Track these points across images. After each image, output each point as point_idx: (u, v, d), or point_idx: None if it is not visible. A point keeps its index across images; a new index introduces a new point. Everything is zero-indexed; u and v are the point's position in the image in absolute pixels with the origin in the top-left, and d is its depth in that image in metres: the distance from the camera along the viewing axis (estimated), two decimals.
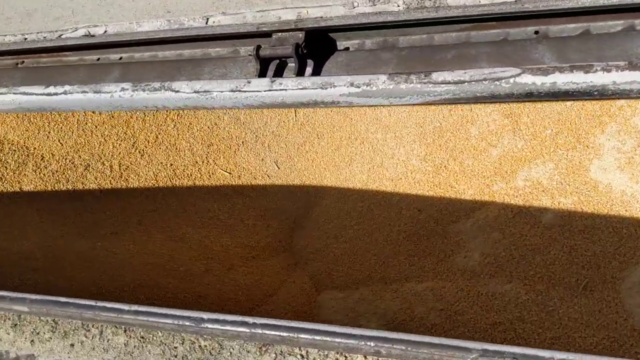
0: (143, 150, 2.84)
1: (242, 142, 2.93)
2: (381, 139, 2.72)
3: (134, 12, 1.46)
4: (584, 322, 1.75)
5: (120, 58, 1.54)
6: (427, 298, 2.14)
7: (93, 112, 2.83)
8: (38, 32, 1.56)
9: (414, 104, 1.19)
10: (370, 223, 2.65)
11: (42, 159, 2.75)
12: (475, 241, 2.17)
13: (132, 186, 2.79)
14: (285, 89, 1.22)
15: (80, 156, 2.78)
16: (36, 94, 1.35)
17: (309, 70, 1.34)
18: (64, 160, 2.76)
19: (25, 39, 1.58)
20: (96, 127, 2.82)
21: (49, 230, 2.65)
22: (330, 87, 1.19)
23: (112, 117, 2.83)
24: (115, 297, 2.44)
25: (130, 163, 2.81)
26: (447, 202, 2.36)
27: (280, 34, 1.31)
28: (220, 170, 2.89)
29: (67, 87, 1.32)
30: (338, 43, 1.38)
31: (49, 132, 2.76)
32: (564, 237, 1.96)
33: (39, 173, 2.74)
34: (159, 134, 2.86)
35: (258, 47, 1.33)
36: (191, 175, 2.87)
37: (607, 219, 1.95)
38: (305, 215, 2.88)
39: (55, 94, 1.33)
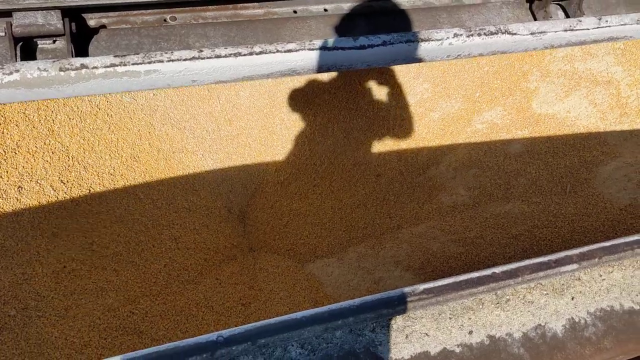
0: (81, 160, 2.50)
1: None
2: None
3: None
4: (584, 213, 2.33)
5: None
6: (435, 235, 2.48)
7: (17, 126, 2.37)
8: None
9: None
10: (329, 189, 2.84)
11: None
12: (455, 180, 2.57)
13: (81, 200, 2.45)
14: None
15: (7, 179, 2.32)
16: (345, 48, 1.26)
17: None
18: None
19: None
20: (17, 144, 2.37)
21: None
22: None
23: (34, 127, 2.41)
24: None
25: (76, 178, 2.46)
26: (405, 164, 2.70)
27: None
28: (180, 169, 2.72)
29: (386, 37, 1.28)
30: None
31: None
32: (535, 159, 2.51)
33: None
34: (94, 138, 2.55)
35: None
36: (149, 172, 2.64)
37: (562, 139, 2.56)
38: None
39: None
